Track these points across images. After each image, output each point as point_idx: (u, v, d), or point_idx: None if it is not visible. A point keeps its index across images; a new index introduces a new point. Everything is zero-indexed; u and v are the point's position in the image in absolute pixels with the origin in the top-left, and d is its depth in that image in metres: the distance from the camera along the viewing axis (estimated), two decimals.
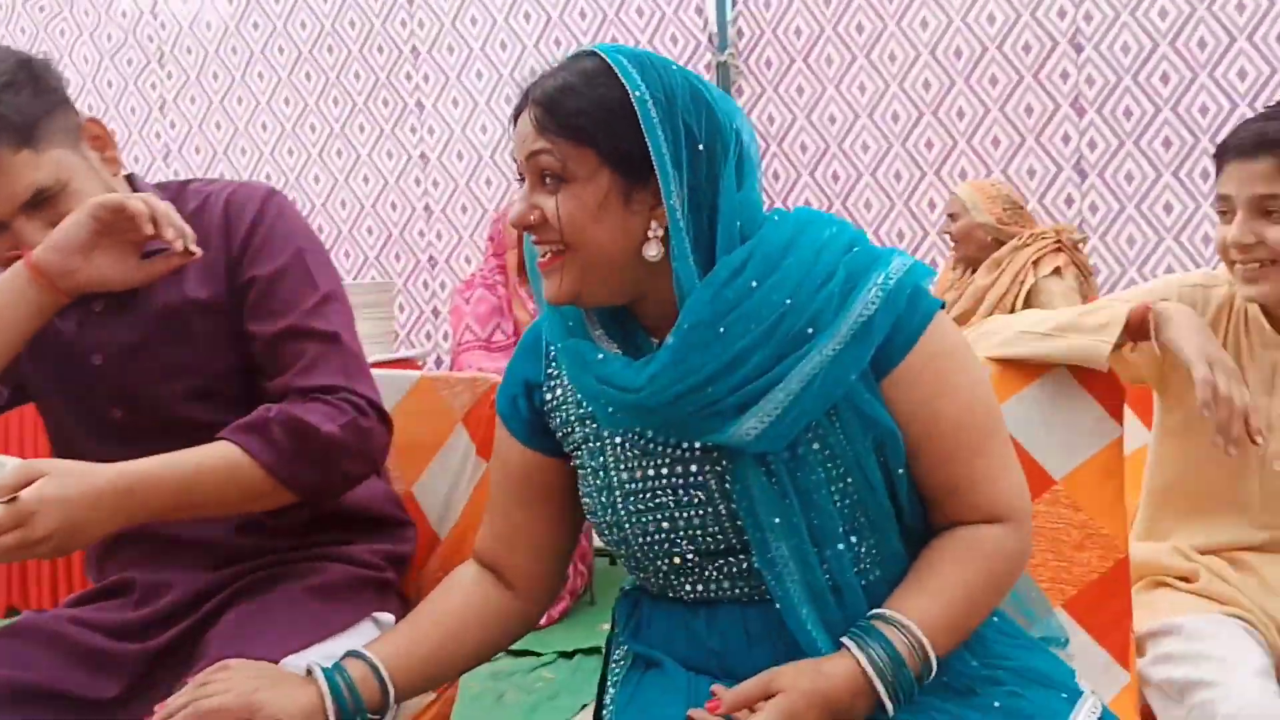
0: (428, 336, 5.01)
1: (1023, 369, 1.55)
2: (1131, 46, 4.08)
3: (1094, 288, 3.55)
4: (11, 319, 1.27)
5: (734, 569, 1.15)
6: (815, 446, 1.10)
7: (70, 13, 5.37)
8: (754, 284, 1.06)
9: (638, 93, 1.04)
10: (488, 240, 3.87)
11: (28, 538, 1.12)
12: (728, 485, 1.11)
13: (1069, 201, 4.20)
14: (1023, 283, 3.40)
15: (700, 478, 1.13)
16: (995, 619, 1.22)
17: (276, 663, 1.21)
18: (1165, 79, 4.05)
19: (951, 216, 3.63)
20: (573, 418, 1.21)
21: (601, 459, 1.18)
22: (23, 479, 1.13)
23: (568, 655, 3.14)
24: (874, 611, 1.11)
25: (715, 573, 1.15)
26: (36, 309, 1.27)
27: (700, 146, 1.06)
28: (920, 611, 1.09)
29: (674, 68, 1.08)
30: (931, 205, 4.38)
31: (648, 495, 1.14)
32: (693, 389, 1.06)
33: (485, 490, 1.56)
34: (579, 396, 1.18)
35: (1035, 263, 3.42)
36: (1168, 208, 4.09)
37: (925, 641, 1.08)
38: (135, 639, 1.32)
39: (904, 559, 1.17)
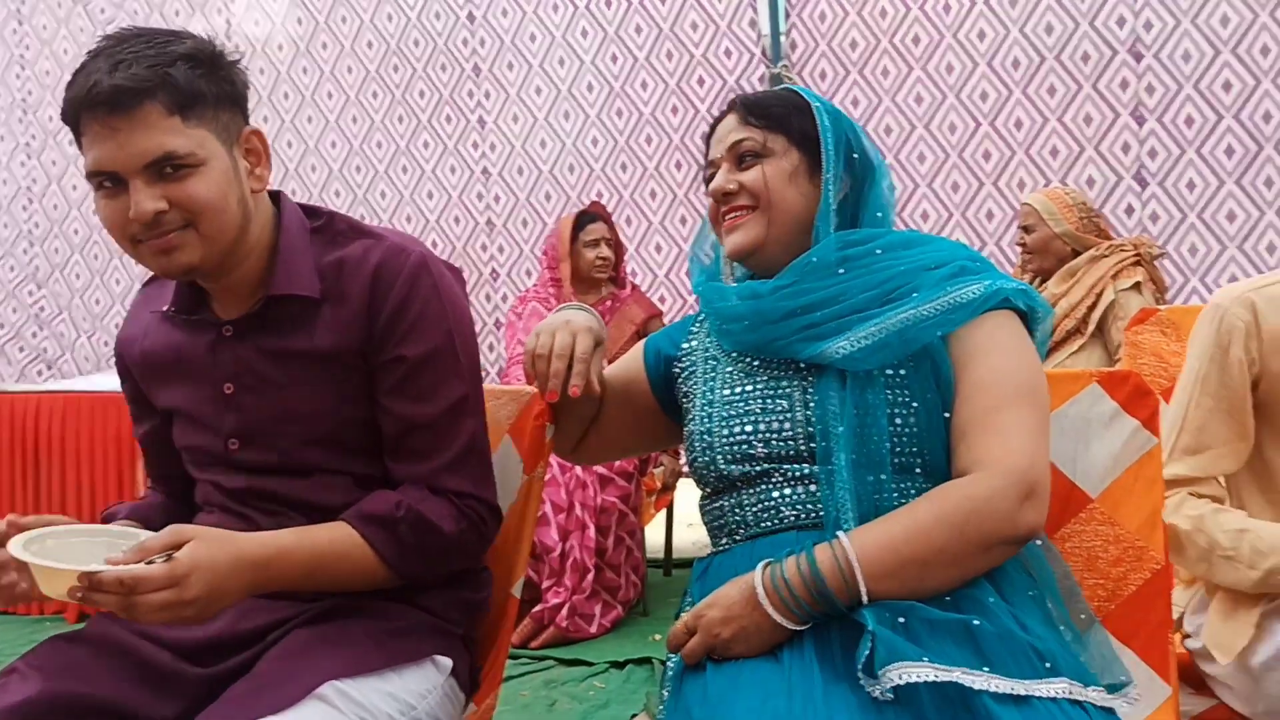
0: (490, 349, 5.09)
1: (1053, 391, 1.55)
2: (1192, 54, 4.02)
3: (1165, 304, 3.47)
4: None
5: (796, 475, 1.30)
6: (888, 372, 1.29)
7: None
8: (879, 251, 1.35)
9: (815, 103, 1.41)
10: (541, 255, 3.92)
11: (180, 597, 1.14)
12: (808, 395, 1.32)
13: (1129, 211, 4.15)
14: (1099, 294, 3.34)
15: (786, 389, 1.34)
16: (1045, 601, 1.26)
17: (316, 687, 1.22)
18: (1227, 86, 3.99)
19: (1026, 229, 3.52)
20: (698, 360, 1.47)
21: (712, 382, 1.42)
22: (175, 540, 1.17)
23: (619, 665, 3.16)
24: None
25: (781, 479, 1.31)
26: None
27: (855, 155, 1.39)
28: (861, 534, 1.20)
29: (843, 113, 1.44)
30: (989, 216, 4.35)
31: (740, 404, 1.36)
32: (804, 308, 1.32)
33: (529, 498, 1.62)
34: (707, 345, 1.47)
35: (1114, 276, 3.35)
36: (1230, 216, 4.02)
37: (854, 561, 1.17)
38: (200, 662, 1.32)
39: None
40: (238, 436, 1.39)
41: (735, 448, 1.34)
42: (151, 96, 1.24)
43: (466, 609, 1.48)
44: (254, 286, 1.39)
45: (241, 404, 1.39)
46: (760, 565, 1.22)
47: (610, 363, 1.59)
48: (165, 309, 1.44)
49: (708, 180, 1.45)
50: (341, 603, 1.35)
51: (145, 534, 1.22)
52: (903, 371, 1.29)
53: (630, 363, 1.58)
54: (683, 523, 4.30)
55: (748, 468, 1.33)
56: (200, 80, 1.28)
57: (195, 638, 1.33)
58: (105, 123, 1.24)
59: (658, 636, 3.33)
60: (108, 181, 1.27)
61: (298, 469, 1.38)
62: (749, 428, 1.34)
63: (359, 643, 1.31)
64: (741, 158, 1.40)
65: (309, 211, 1.45)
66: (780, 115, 1.40)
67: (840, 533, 1.21)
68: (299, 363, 1.37)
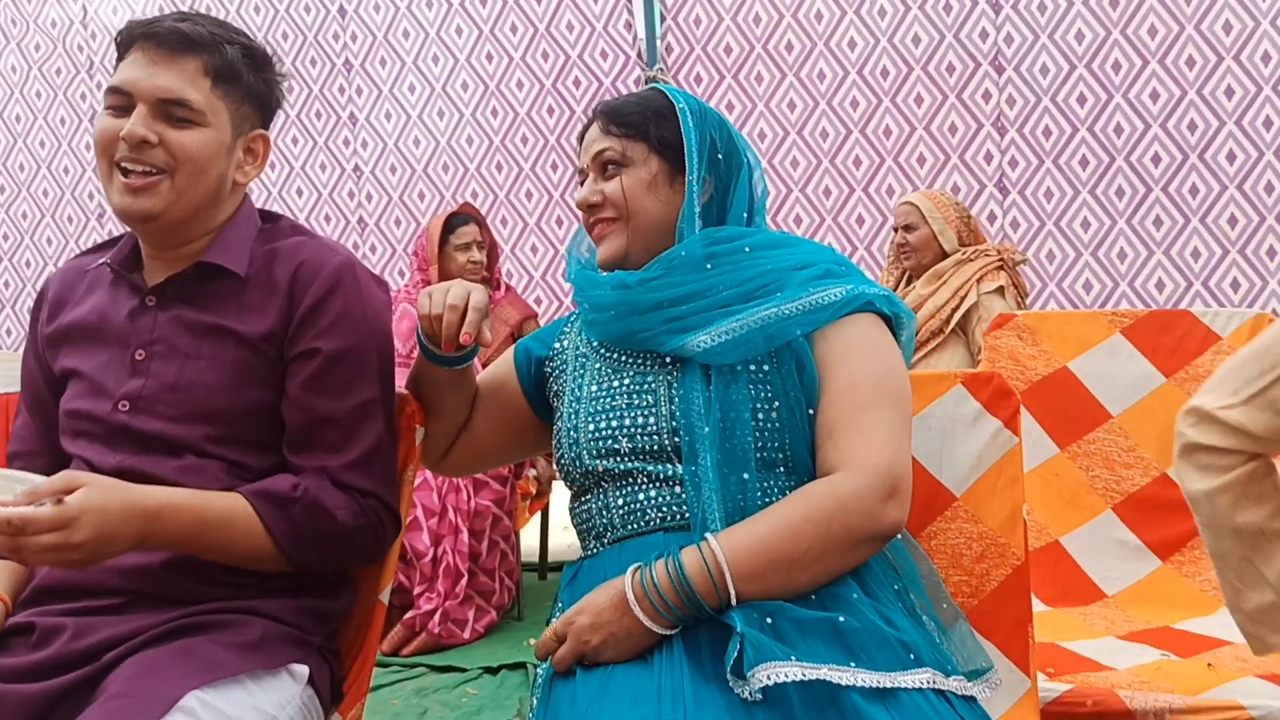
0: None
1: (919, 393, 1.59)
2: (1050, 68, 4.19)
3: (1026, 308, 3.59)
4: None
5: (662, 476, 1.31)
6: (751, 369, 1.31)
7: None
8: (747, 249, 1.36)
9: (680, 104, 1.41)
10: (412, 256, 3.84)
11: (67, 540, 1.16)
12: (673, 390, 1.33)
13: (991, 218, 4.30)
14: (963, 297, 3.42)
15: (652, 384, 1.35)
16: (909, 594, 1.29)
17: (179, 699, 1.18)
18: (1082, 100, 4.16)
19: (908, 227, 3.58)
20: (569, 359, 1.47)
21: (581, 378, 1.42)
22: (66, 485, 1.18)
23: (492, 671, 3.11)
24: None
25: (646, 480, 1.32)
26: None
27: (720, 155, 1.40)
28: (729, 536, 1.20)
29: (710, 109, 1.44)
30: (860, 221, 4.45)
31: (606, 399, 1.37)
32: (671, 300, 1.34)
33: (399, 503, 1.57)
34: (578, 344, 1.47)
35: (979, 279, 3.45)
36: (1085, 224, 4.20)
37: (724, 563, 1.17)
38: (35, 681, 1.24)
39: None
40: (130, 399, 1.40)
41: (600, 443, 1.35)
42: (197, 53, 1.37)
43: (321, 618, 1.44)
44: (190, 261, 1.44)
45: (148, 370, 1.41)
46: (630, 570, 1.21)
47: (484, 365, 1.57)
48: (104, 260, 1.49)
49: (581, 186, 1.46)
50: (186, 622, 1.31)
51: (39, 479, 1.22)
52: (766, 368, 1.31)
53: (501, 367, 1.56)
54: (558, 526, 4.28)
55: (612, 463, 1.33)
56: (243, 68, 1.41)
57: (30, 661, 1.27)
58: (149, 53, 1.36)
59: (532, 641, 3.29)
60: (118, 101, 1.37)
61: (174, 444, 1.37)
62: (614, 423, 1.35)
63: (213, 653, 1.27)
64: (605, 167, 1.41)
65: (267, 215, 1.54)
66: (639, 123, 1.40)
67: (709, 534, 1.21)
68: (214, 337, 1.40)
